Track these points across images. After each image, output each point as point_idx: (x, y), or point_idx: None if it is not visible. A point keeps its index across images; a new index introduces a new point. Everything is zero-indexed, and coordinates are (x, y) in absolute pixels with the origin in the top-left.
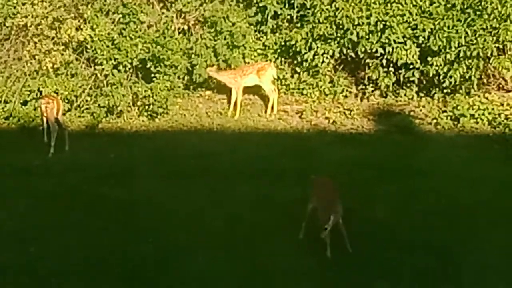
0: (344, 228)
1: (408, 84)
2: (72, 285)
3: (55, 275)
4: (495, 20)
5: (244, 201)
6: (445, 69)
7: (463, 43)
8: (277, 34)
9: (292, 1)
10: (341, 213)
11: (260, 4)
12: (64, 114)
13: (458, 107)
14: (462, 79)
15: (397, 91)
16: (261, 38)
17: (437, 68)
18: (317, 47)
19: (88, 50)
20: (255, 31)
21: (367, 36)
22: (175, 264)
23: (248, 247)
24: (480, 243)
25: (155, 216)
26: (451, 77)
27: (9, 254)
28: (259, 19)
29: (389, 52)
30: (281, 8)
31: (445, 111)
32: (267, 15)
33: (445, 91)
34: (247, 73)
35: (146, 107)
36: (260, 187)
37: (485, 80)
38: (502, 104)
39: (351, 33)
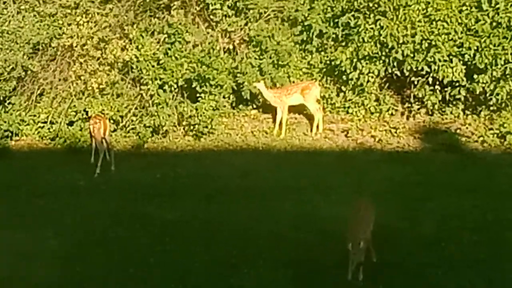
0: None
1: (454, 102)
2: None
3: None
4: None
5: (288, 219)
6: (492, 87)
7: (510, 60)
8: (322, 53)
9: (337, 20)
10: (369, 238)
11: (305, 23)
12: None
13: (505, 125)
14: (508, 97)
15: (443, 109)
16: (306, 57)
17: (483, 85)
18: (362, 67)
19: (133, 70)
20: (300, 50)
21: (412, 55)
22: (219, 280)
23: (290, 264)
24: None
25: (200, 234)
26: (497, 94)
27: (56, 272)
28: (304, 38)
29: (435, 70)
30: (326, 27)
31: (492, 129)
32: (312, 33)
33: (491, 108)
34: (291, 92)
35: (192, 126)
36: (305, 205)
37: None
38: None
39: (396, 52)
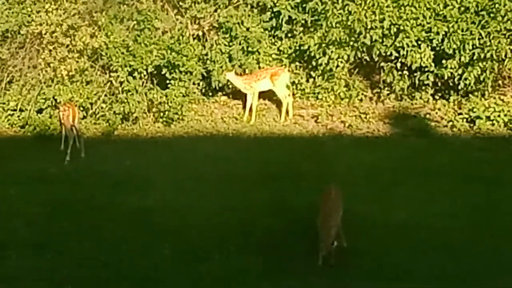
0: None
1: (423, 87)
2: None
3: (71, 281)
4: (509, 22)
5: (259, 206)
6: (460, 72)
7: (477, 45)
8: (291, 39)
9: (305, 5)
10: (339, 223)
11: (275, 9)
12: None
13: (474, 109)
14: (476, 81)
15: (413, 94)
16: (275, 43)
17: (451, 70)
18: (331, 52)
19: (103, 57)
20: (270, 36)
21: (380, 40)
22: (189, 266)
23: (261, 251)
24: (497, 245)
25: (170, 221)
26: (465, 79)
27: (26, 261)
28: (274, 24)
29: (403, 55)
30: (295, 13)
31: (461, 114)
32: (282, 20)
33: (460, 93)
34: (261, 77)
35: (162, 113)
36: (276, 191)
37: (500, 82)
38: None
39: (364, 37)
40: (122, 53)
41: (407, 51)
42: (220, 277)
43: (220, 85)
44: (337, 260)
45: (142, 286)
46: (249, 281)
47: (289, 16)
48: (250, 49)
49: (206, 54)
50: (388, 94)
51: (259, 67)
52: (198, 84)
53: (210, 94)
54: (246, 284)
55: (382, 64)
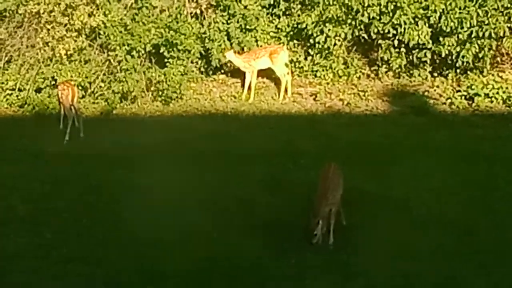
0: (334, 220)
1: (421, 64)
2: (88, 270)
3: (70, 260)
4: (506, 0)
5: (258, 183)
6: (458, 49)
7: (475, 24)
8: (289, 16)
9: None
10: (337, 202)
11: None
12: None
13: (473, 87)
14: (475, 59)
15: (411, 72)
16: (273, 21)
17: (449, 48)
18: (329, 30)
19: (101, 36)
20: (268, 13)
21: (378, 17)
22: (187, 244)
23: (260, 228)
24: (496, 219)
25: (169, 199)
26: (463, 57)
27: (25, 239)
28: (271, 2)
29: (401, 32)
30: None
31: (459, 91)
32: None
33: (458, 70)
34: (260, 55)
35: (160, 92)
36: (275, 169)
37: (499, 59)
38: None
39: (362, 15)
40: (120, 32)
41: (404, 29)
42: (219, 255)
43: (220, 63)
44: (336, 237)
45: (140, 265)
46: (248, 258)
47: None
48: (248, 27)
49: (204, 33)
50: (386, 72)
51: (257, 45)
52: (197, 63)
53: (209, 72)
54: (245, 261)
55: (380, 41)
